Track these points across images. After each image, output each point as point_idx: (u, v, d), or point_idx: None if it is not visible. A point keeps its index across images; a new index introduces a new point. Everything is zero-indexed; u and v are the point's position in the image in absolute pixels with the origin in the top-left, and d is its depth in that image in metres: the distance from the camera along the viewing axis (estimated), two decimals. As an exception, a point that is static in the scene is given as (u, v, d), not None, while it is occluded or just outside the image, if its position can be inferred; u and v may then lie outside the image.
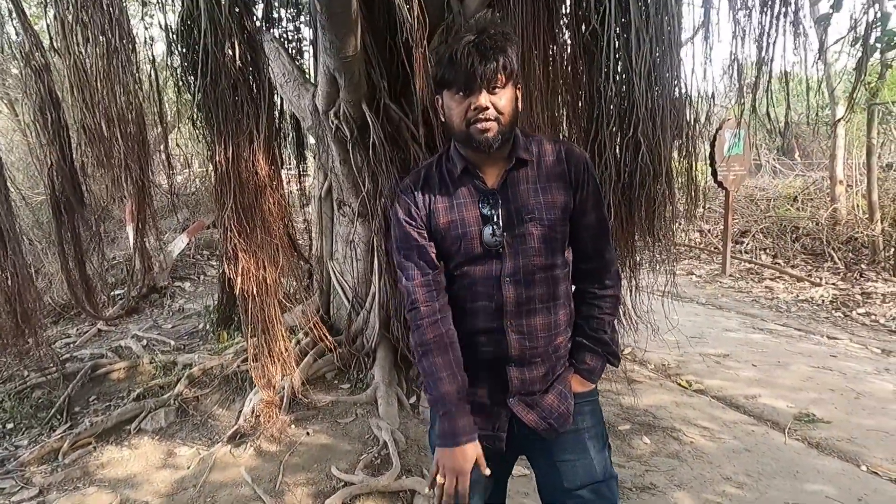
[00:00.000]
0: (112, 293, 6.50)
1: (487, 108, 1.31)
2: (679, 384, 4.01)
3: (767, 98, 3.07)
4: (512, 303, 1.41)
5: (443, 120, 1.43)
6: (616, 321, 1.55)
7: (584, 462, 1.47)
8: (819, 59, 3.50)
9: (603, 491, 1.48)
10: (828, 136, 9.37)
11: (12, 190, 4.30)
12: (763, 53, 3.02)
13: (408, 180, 1.52)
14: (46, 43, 3.52)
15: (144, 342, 4.90)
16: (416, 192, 1.48)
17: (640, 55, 2.87)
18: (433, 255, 1.46)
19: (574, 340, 1.52)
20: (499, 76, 1.30)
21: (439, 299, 1.45)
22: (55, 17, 2.84)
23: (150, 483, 2.92)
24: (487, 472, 1.40)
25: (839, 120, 7.55)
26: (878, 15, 3.42)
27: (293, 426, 3.35)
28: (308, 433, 3.28)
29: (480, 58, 1.28)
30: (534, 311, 1.42)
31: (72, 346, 5.08)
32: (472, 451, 1.39)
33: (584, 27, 3.10)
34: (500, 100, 1.33)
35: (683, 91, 3.07)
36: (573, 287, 1.55)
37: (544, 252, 1.41)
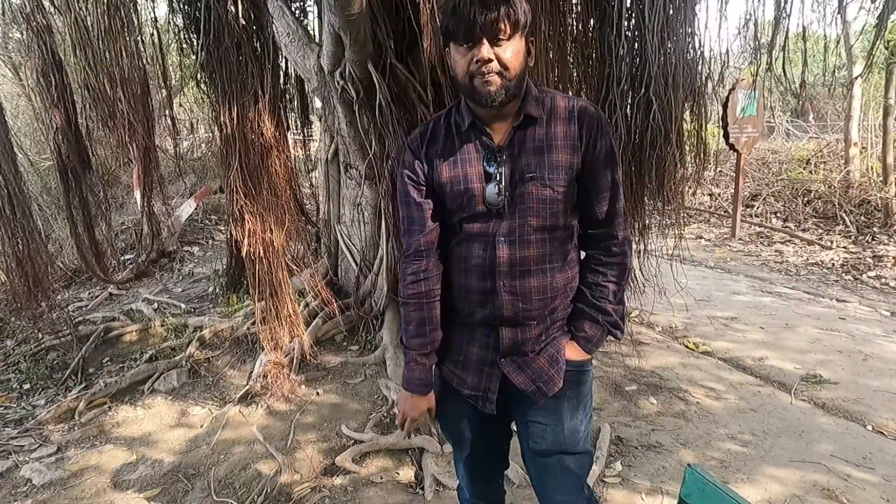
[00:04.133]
0: (122, 258, 6.56)
1: (490, 61, 1.25)
2: (686, 346, 4.03)
3: (784, 56, 2.99)
4: (505, 263, 1.37)
5: (452, 74, 1.37)
6: (624, 291, 1.48)
7: (554, 428, 1.46)
8: (837, 15, 3.39)
9: (568, 463, 1.48)
10: (843, 96, 9.16)
11: (20, 155, 4.30)
12: (780, 9, 2.93)
13: (415, 133, 1.49)
14: (47, 4, 3.46)
15: (155, 305, 4.96)
16: (421, 147, 1.45)
17: (654, 11, 2.78)
18: (428, 214, 1.45)
19: (575, 306, 1.47)
20: (502, 26, 1.23)
21: (427, 259, 1.46)
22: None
23: (164, 441, 2.99)
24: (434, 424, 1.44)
25: (856, 78, 7.37)
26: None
27: (303, 386, 3.40)
28: (318, 393, 3.34)
29: (482, 7, 1.21)
30: (527, 272, 1.38)
31: (84, 309, 5.15)
32: (422, 403, 1.53)
33: (595, -19, 3.01)
34: (506, 52, 1.26)
35: (697, 49, 3.00)
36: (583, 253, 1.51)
37: (543, 213, 1.36)
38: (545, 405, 1.45)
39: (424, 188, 1.45)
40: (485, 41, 1.24)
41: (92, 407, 3.31)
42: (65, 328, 4.21)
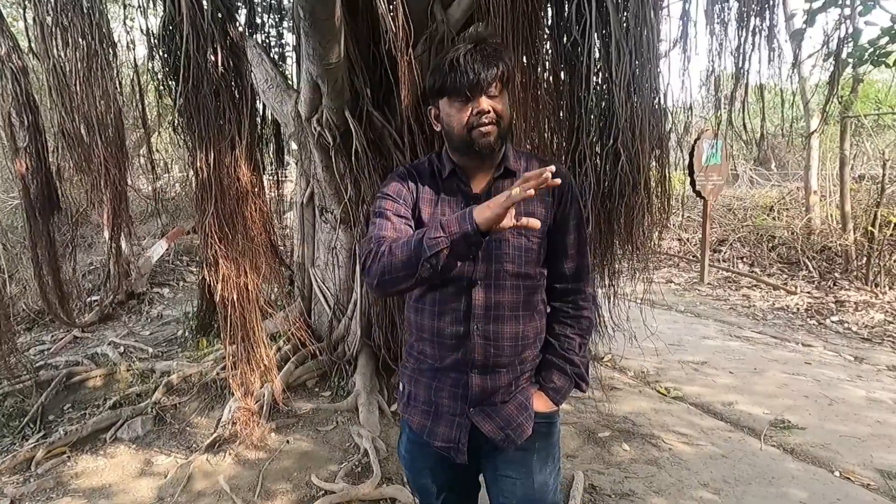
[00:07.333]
0: (88, 299, 6.39)
1: (489, 112, 1.34)
2: (658, 391, 4.06)
3: (743, 110, 3.14)
4: (480, 306, 1.41)
5: (437, 129, 1.45)
6: (587, 346, 1.55)
7: (524, 482, 1.47)
8: (793, 72, 3.59)
9: None
10: (802, 147, 9.58)
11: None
12: (739, 66, 3.09)
13: (402, 169, 1.54)
14: (24, 45, 3.47)
15: (121, 349, 4.83)
16: (408, 181, 1.49)
17: (620, 66, 2.91)
18: (410, 227, 1.42)
19: (543, 358, 1.51)
20: (496, 82, 1.34)
21: None
22: (34, 21, 2.80)
23: (126, 493, 2.87)
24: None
25: (813, 132, 7.73)
26: (850, 31, 3.53)
27: (273, 434, 3.32)
28: (288, 441, 3.26)
29: (484, 63, 1.32)
30: (502, 317, 1.42)
31: (46, 353, 4.98)
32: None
33: (565, 38, 3.15)
34: (499, 104, 1.36)
35: (662, 102, 3.13)
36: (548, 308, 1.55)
37: (518, 260, 1.42)
38: (514, 458, 1.46)
39: (407, 208, 1.45)
40: (484, 95, 1.34)
41: (50, 457, 3.17)
42: (24, 373, 4.06)
